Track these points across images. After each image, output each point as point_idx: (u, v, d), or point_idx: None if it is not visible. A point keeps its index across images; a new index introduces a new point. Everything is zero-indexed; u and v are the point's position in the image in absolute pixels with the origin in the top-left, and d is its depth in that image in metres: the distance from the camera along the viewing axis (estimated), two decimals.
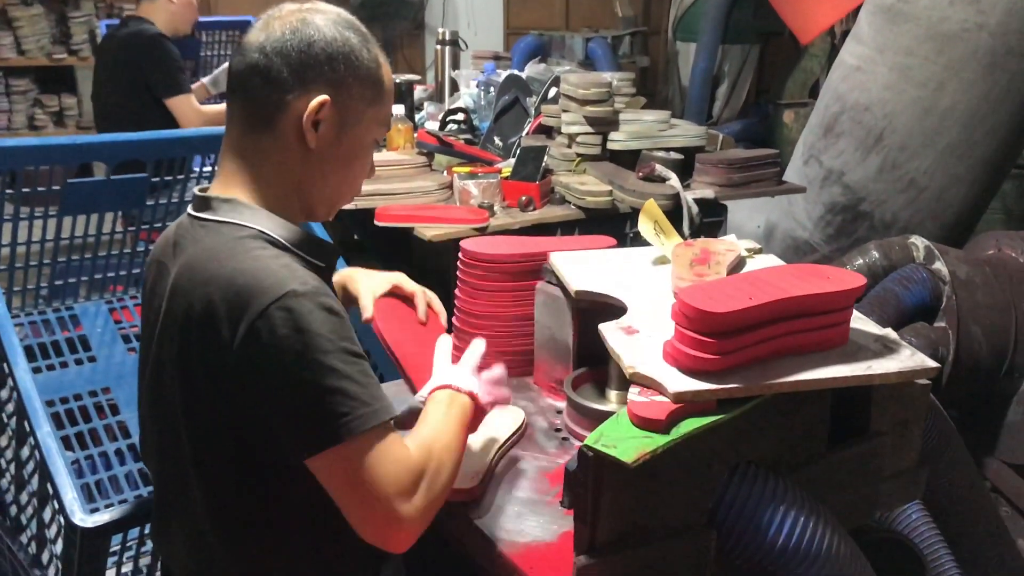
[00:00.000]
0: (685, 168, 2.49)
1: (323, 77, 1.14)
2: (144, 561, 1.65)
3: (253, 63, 1.14)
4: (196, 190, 1.21)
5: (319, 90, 1.14)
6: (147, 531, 1.55)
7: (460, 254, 1.69)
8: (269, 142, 1.16)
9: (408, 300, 1.47)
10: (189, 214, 1.20)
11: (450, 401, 1.20)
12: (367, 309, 1.42)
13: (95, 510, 1.66)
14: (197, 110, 3.33)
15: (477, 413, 1.23)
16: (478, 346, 1.30)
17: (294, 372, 1.02)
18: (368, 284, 1.46)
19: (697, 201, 2.37)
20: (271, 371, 1.03)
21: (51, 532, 1.60)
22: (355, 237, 3.33)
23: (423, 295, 1.47)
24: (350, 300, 1.46)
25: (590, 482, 1.07)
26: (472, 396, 1.22)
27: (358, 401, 1.04)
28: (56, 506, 1.52)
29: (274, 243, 1.14)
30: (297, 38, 1.13)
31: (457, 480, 1.18)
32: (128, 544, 1.60)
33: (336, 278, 1.46)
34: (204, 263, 1.09)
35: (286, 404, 1.04)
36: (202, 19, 3.90)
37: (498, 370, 1.29)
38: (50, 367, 2.18)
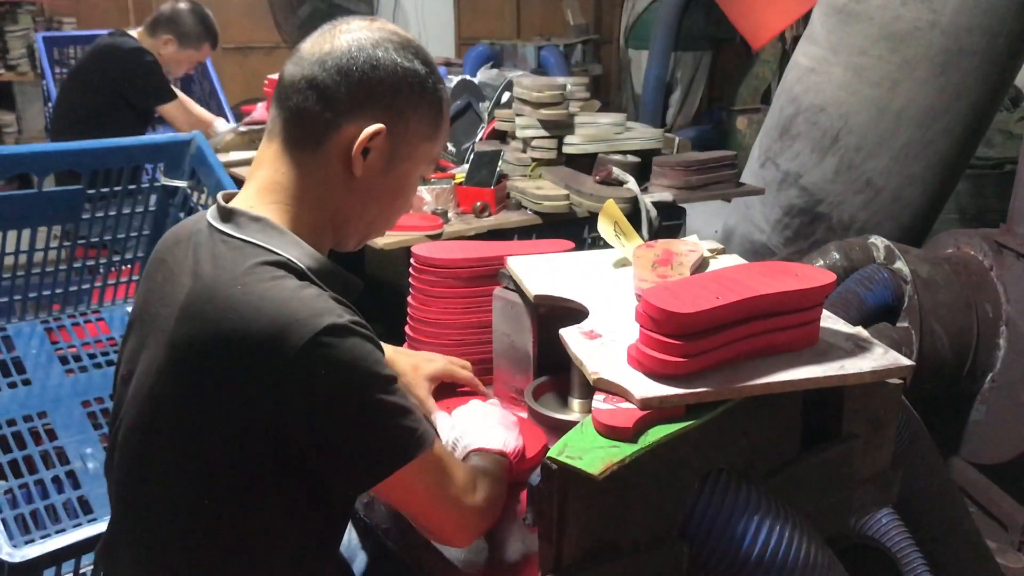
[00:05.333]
0: (642, 171, 2.45)
1: (382, 104, 1.08)
2: None
3: (311, 76, 1.07)
4: (220, 196, 1.13)
5: (376, 117, 1.08)
6: (83, 563, 1.47)
7: (411, 259, 1.63)
8: (312, 162, 1.09)
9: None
10: (209, 223, 1.10)
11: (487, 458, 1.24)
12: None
13: (31, 541, 1.57)
14: (189, 112, 3.43)
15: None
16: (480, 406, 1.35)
17: (355, 404, 1.00)
18: (419, 377, 1.46)
19: (655, 204, 2.32)
20: (327, 405, 0.99)
21: None
22: None
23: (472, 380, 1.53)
24: None
25: (555, 497, 1.01)
26: (503, 454, 1.24)
27: (417, 419, 1.05)
28: None
29: (297, 272, 1.05)
30: (363, 58, 1.07)
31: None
32: None
33: None
34: (226, 288, 1.01)
35: (351, 437, 1.01)
36: None
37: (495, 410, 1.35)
38: None
